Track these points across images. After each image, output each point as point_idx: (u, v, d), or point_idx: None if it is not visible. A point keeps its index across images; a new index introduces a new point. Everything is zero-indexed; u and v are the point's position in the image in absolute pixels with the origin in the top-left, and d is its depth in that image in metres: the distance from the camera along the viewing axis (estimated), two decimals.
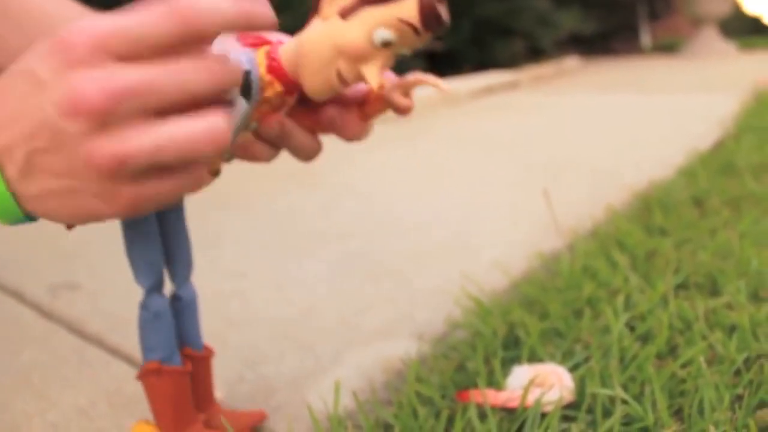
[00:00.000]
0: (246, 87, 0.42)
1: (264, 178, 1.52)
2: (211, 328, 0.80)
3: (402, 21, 0.40)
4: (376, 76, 0.42)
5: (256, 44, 0.45)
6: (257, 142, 0.46)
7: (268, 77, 0.44)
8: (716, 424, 0.49)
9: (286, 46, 0.44)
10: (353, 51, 0.41)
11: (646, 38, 6.16)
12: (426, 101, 2.65)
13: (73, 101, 0.30)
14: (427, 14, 0.40)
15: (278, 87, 0.44)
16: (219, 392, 0.66)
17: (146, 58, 0.32)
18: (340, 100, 0.47)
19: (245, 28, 0.35)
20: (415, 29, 0.40)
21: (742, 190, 1.10)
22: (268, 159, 0.47)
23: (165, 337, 0.50)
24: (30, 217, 0.36)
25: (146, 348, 0.50)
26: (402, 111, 0.47)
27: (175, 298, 0.52)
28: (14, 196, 0.34)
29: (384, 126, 2.27)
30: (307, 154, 0.48)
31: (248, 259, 1.04)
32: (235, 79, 0.35)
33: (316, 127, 0.48)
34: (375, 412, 0.57)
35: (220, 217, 1.27)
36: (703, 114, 2.11)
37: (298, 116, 0.47)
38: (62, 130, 0.31)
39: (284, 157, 0.51)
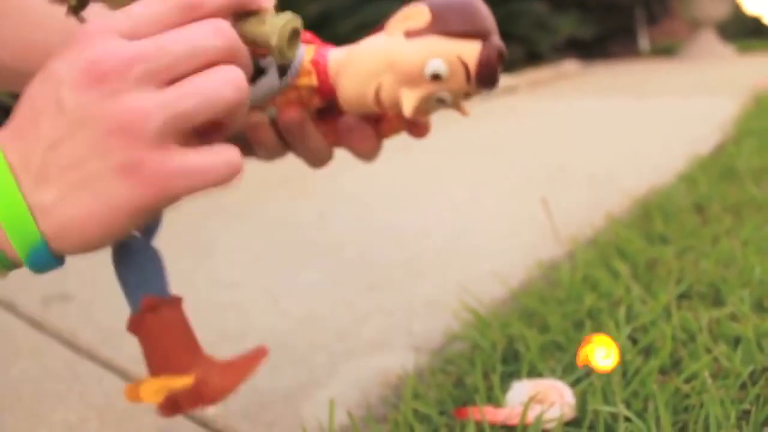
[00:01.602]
0: (284, 65, 0.42)
1: (259, 187, 1.50)
2: (204, 340, 0.78)
3: (460, 59, 0.41)
4: (411, 103, 0.42)
5: (307, 41, 0.45)
6: (269, 128, 0.45)
7: (308, 66, 0.43)
8: None
9: (337, 51, 0.44)
10: (403, 69, 0.41)
11: (644, 42, 6.15)
12: None
13: (87, 69, 0.31)
14: (484, 64, 0.41)
15: (314, 80, 0.44)
16: (212, 407, 0.65)
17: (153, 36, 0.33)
18: (357, 120, 0.47)
19: (240, 9, 0.36)
20: (467, 74, 0.41)
21: (744, 195, 1.09)
22: (271, 152, 0.47)
23: (151, 269, 0.44)
24: (44, 254, 0.33)
25: (134, 285, 0.43)
26: (418, 133, 0.47)
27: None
28: (31, 213, 0.32)
29: None
30: (319, 158, 0.47)
31: (242, 268, 1.03)
32: (229, 38, 0.34)
33: (330, 136, 0.48)
34: (370, 429, 0.56)
35: (214, 226, 1.25)
36: (702, 118, 2.10)
37: (316, 121, 0.47)
38: (77, 107, 0.31)
39: (279, 165, 0.49)
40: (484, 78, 0.41)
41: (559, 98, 3.08)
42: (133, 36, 0.33)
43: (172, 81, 0.32)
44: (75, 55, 0.32)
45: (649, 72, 4.14)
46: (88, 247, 0.33)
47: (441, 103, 0.43)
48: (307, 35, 0.46)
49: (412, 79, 0.41)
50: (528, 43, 4.26)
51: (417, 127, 0.46)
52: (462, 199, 1.37)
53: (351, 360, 0.72)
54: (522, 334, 0.66)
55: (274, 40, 0.37)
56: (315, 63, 0.43)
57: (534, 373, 0.61)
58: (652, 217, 1.03)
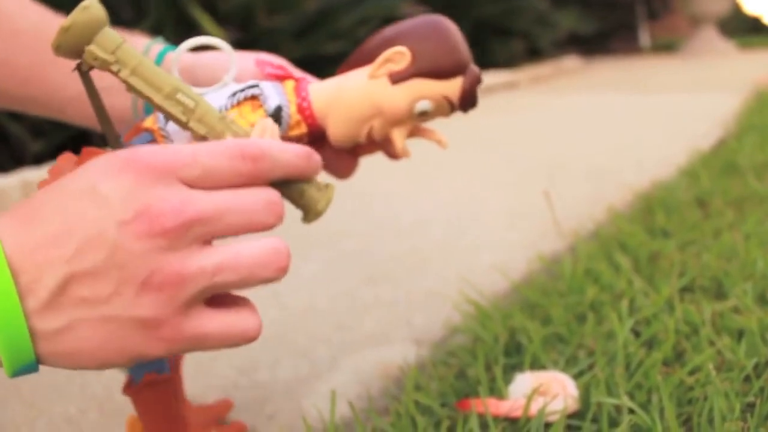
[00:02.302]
0: (276, 122, 0.42)
1: None
2: None
3: (445, 97, 0.43)
4: (402, 140, 0.44)
5: (280, 77, 0.45)
6: None
7: (297, 117, 0.44)
8: None
9: (319, 88, 0.44)
10: (394, 115, 0.43)
11: (645, 38, 6.15)
12: None
13: (147, 221, 0.29)
14: (467, 96, 0.44)
15: (304, 129, 0.44)
16: (212, 401, 0.64)
17: (212, 189, 0.32)
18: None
19: (299, 178, 0.37)
20: (452, 106, 0.44)
21: (746, 190, 1.08)
22: None
23: None
24: (33, 367, 0.31)
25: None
26: (396, 158, 0.48)
27: None
28: (31, 338, 0.30)
29: None
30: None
31: None
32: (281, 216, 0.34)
33: None
34: (372, 422, 0.56)
35: None
36: (703, 113, 2.09)
37: None
38: (121, 249, 0.29)
39: None
40: (466, 105, 0.44)
41: (559, 93, 3.08)
42: (194, 185, 0.32)
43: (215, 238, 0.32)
44: (134, 191, 0.30)
45: (649, 68, 4.13)
46: (78, 368, 0.32)
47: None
48: (277, 63, 0.46)
49: (402, 120, 0.44)
50: (529, 38, 4.25)
51: (398, 153, 0.48)
52: (463, 192, 1.36)
53: (352, 352, 0.71)
54: (524, 326, 0.66)
55: (321, 206, 0.39)
56: (301, 110, 0.44)
57: (537, 365, 0.60)
58: (653, 211, 1.02)
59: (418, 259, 0.99)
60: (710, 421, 0.50)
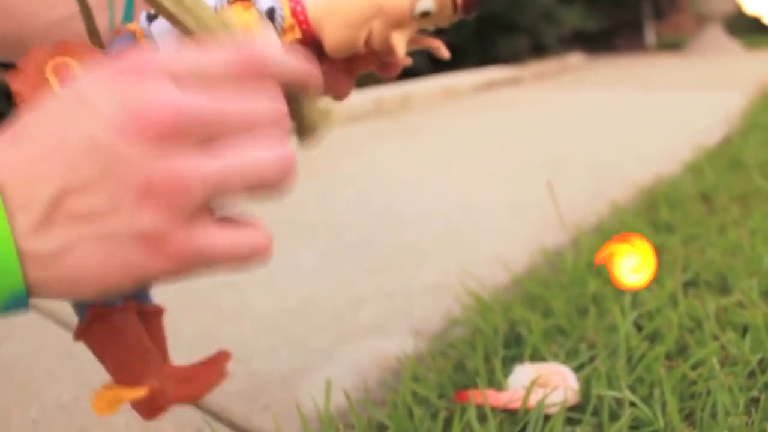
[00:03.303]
0: (270, 17, 0.40)
1: None
2: (201, 321, 0.77)
3: None
4: (403, 45, 0.42)
5: None
6: None
7: (290, 21, 0.41)
8: (731, 429, 0.47)
9: None
10: (395, 14, 0.41)
11: (650, 36, 6.12)
12: (428, 95, 2.62)
13: (139, 117, 0.27)
14: None
15: (297, 34, 0.42)
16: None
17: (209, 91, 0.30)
18: (328, 57, 0.44)
19: (298, 85, 0.34)
20: (455, 6, 0.41)
21: (750, 186, 1.07)
22: None
23: None
24: (22, 302, 0.29)
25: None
26: (389, 72, 0.46)
27: None
28: (20, 260, 0.27)
29: (385, 118, 2.25)
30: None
31: None
32: (284, 119, 0.32)
33: None
34: (368, 412, 0.55)
35: None
36: (709, 110, 2.08)
37: None
38: (116, 155, 0.27)
39: None
40: (471, 7, 0.41)
41: (564, 90, 3.06)
42: (188, 86, 0.29)
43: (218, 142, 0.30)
44: (124, 92, 0.28)
45: (655, 65, 4.11)
46: (78, 297, 0.30)
47: (422, 33, 0.43)
48: None
49: (401, 21, 0.41)
50: (533, 34, 4.23)
51: (388, 66, 0.46)
52: (466, 186, 1.35)
53: (349, 343, 0.71)
54: (525, 318, 0.65)
55: (318, 128, 0.37)
56: (295, 14, 0.41)
57: (537, 357, 0.59)
58: (657, 205, 1.01)
59: (420, 250, 0.97)
60: (713, 415, 0.49)
